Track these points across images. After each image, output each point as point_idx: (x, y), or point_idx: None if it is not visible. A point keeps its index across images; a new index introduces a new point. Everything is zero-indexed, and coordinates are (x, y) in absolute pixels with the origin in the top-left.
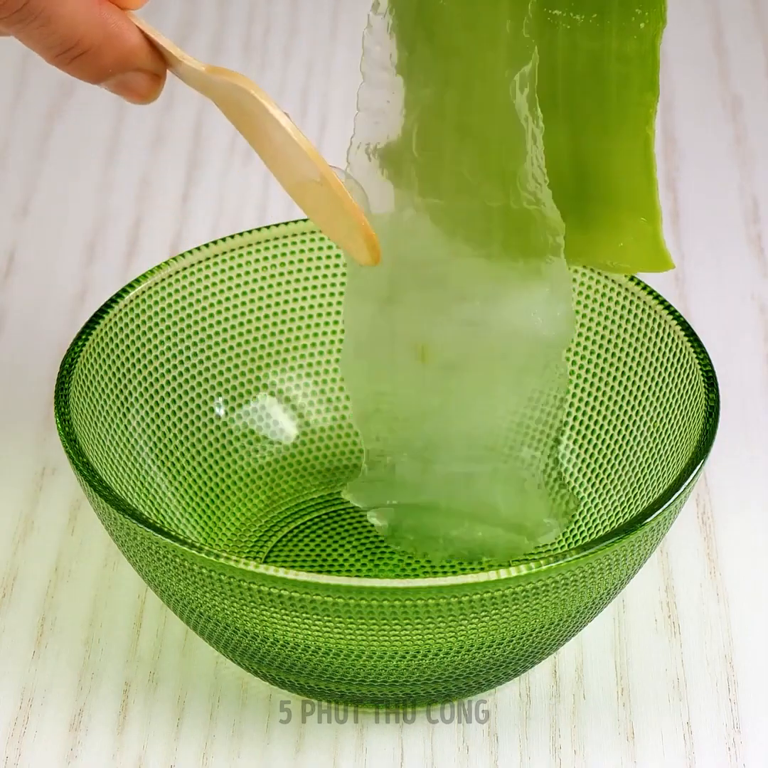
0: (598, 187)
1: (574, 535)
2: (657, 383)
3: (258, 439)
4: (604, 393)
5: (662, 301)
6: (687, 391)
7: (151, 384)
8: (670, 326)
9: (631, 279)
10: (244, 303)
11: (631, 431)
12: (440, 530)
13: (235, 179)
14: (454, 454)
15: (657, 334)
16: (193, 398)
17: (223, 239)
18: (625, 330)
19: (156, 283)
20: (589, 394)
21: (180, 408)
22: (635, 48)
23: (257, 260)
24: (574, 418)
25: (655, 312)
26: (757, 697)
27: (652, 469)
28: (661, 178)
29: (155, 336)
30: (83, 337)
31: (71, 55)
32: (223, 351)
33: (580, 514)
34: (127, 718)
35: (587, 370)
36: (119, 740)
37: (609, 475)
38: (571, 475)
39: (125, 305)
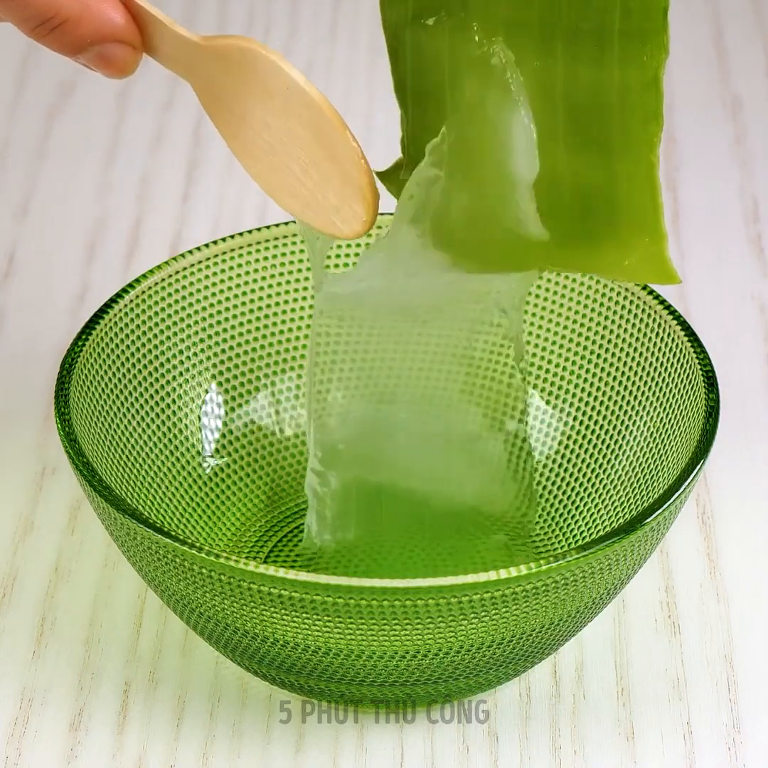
0: (601, 208)
1: (574, 535)
2: (657, 383)
3: (258, 438)
4: (604, 393)
5: (662, 301)
6: (687, 391)
7: (151, 384)
8: (670, 326)
9: None
10: (244, 303)
11: (631, 431)
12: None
13: (235, 179)
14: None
15: (657, 334)
16: (193, 398)
17: (223, 239)
18: (625, 330)
19: (156, 283)
20: (590, 394)
21: (180, 408)
22: (638, 79)
23: (257, 260)
24: (574, 418)
25: (655, 312)
26: (757, 697)
27: (652, 469)
28: (661, 177)
29: (155, 336)
30: (83, 337)
31: (49, 26)
32: (223, 351)
33: (579, 513)
34: (127, 718)
35: (587, 371)
36: (119, 740)
37: (609, 475)
38: (571, 474)
39: (125, 305)
